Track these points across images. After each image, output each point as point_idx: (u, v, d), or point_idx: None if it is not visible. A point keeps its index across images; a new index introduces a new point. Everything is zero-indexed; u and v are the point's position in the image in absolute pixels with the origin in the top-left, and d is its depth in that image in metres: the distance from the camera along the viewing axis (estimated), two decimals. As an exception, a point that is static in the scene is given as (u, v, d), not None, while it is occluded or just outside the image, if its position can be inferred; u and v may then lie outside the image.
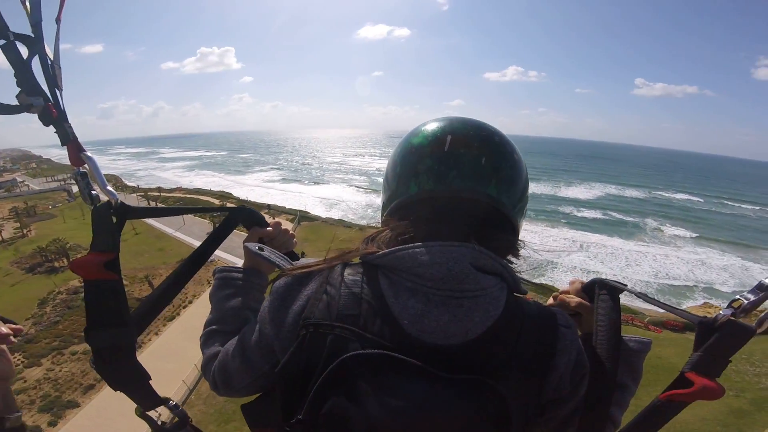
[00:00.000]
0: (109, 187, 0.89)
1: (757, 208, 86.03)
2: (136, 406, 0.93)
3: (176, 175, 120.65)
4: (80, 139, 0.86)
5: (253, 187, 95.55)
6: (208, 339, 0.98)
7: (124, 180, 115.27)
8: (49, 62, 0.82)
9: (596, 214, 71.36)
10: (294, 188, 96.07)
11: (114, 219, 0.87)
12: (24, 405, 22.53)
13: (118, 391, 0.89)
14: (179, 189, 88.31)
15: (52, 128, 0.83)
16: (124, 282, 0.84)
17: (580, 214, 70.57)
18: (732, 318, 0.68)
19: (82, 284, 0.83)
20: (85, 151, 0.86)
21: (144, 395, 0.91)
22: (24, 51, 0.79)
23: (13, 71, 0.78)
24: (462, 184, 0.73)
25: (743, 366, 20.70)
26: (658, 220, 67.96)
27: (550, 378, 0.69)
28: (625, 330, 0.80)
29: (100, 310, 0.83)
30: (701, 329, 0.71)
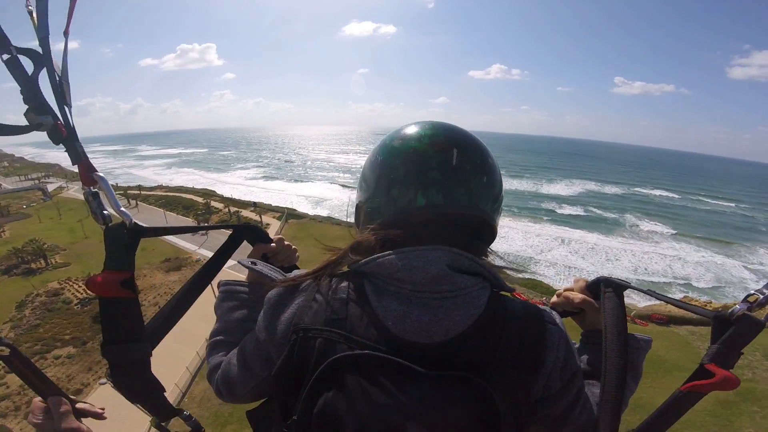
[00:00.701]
0: (123, 208, 0.89)
1: (733, 204, 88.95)
2: (151, 417, 0.94)
3: (155, 173, 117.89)
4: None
5: (235, 185, 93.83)
6: (213, 349, 1.01)
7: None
8: (57, 78, 0.79)
9: (577, 211, 72.61)
10: (277, 186, 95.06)
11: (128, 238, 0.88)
12: (8, 412, 22.01)
13: (135, 404, 0.91)
14: (160, 187, 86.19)
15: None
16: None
17: (561, 211, 71.72)
18: (747, 312, 0.71)
19: (97, 299, 0.84)
20: (96, 171, 0.84)
21: (159, 407, 0.94)
22: (29, 66, 0.76)
23: (19, 88, 0.75)
24: (469, 202, 0.76)
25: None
26: (636, 215, 69.82)
27: (538, 375, 0.71)
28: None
29: (116, 326, 0.85)
30: (717, 323, 0.73)
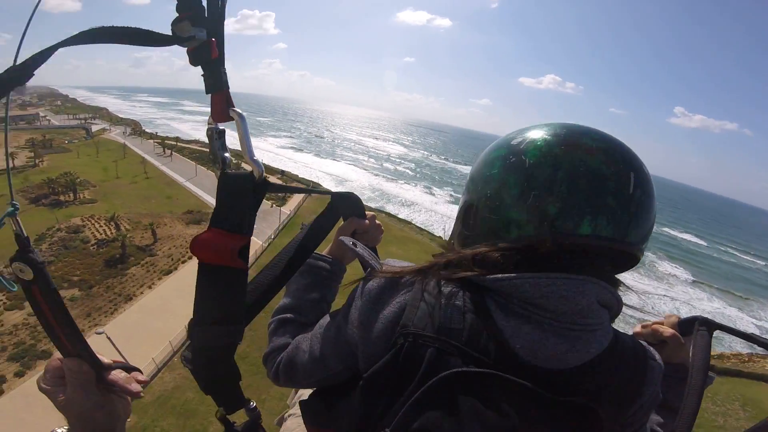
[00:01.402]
0: (256, 157, 0.72)
1: (762, 263, 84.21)
2: (217, 409, 0.87)
3: (193, 128, 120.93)
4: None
5: (265, 151, 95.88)
6: (279, 327, 0.95)
7: (142, 126, 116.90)
8: None
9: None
10: (304, 158, 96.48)
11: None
12: (-5, 353, 21.67)
13: (208, 395, 0.83)
14: (195, 142, 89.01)
15: (197, 70, 0.67)
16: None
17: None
18: None
19: (198, 266, 0.70)
20: (234, 106, 0.71)
21: (232, 398, 0.87)
22: None
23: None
24: (635, 239, 0.68)
25: (705, 404, 21.68)
26: (658, 255, 68.00)
27: (634, 406, 0.69)
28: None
29: (219, 303, 0.73)
30: None
